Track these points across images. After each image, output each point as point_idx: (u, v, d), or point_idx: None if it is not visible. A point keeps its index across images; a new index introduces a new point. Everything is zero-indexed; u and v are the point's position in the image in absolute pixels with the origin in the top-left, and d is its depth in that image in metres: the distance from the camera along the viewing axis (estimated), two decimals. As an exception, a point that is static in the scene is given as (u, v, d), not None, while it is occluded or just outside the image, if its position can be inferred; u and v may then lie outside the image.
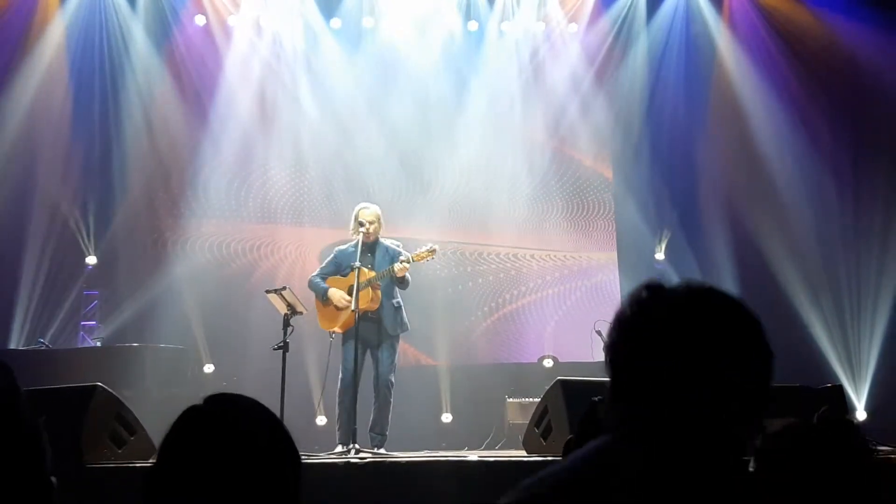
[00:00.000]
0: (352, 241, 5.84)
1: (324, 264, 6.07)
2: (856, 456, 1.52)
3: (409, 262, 5.69)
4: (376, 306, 5.72)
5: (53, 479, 1.32)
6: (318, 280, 5.96)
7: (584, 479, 1.09)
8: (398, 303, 5.87)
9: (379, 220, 5.85)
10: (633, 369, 1.13)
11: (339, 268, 5.89)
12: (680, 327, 1.10)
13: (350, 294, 5.66)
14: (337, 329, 5.85)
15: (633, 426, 1.11)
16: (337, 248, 6.04)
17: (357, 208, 5.91)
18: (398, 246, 5.93)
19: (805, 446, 1.52)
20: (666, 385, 1.09)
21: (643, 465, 1.08)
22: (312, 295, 6.11)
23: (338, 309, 5.83)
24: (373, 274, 5.68)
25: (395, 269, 5.62)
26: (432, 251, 5.78)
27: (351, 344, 5.69)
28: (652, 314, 1.13)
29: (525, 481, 1.16)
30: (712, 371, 1.08)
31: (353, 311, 5.54)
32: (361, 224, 5.73)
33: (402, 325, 5.89)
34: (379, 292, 5.74)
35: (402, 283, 5.78)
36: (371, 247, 5.82)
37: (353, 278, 5.61)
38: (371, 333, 5.76)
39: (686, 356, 1.09)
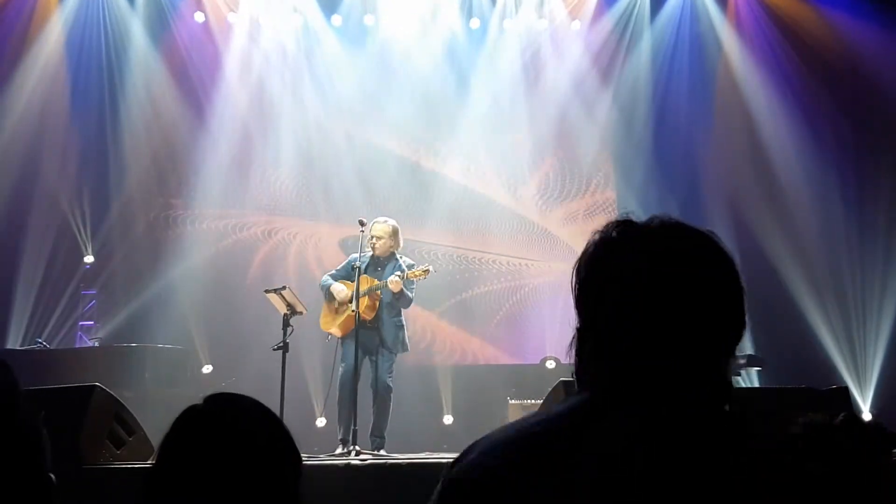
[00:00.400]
0: (360, 244, 5.86)
1: (338, 268, 6.06)
2: (876, 459, 1.48)
3: (402, 279, 5.67)
4: (370, 316, 5.71)
5: (53, 477, 1.30)
6: (327, 278, 6.00)
7: (560, 443, 0.99)
8: (400, 322, 5.85)
9: (390, 236, 5.84)
10: (606, 311, 1.04)
11: (349, 274, 5.90)
12: (656, 262, 1.03)
13: (351, 300, 5.68)
14: (334, 331, 5.83)
15: (614, 381, 1.02)
16: (352, 255, 6.04)
17: (372, 222, 5.92)
18: (412, 266, 5.92)
19: (827, 447, 1.48)
20: (645, 326, 1.01)
21: (632, 426, 0.98)
22: (313, 295, 6.11)
23: (337, 305, 5.83)
24: (374, 283, 5.70)
25: (389, 282, 5.61)
26: (426, 271, 5.76)
27: (350, 344, 5.69)
28: (626, 250, 1.06)
29: (484, 442, 1.12)
30: (691, 306, 1.02)
31: (353, 311, 5.55)
32: (363, 223, 5.79)
33: (402, 345, 5.87)
34: (377, 303, 5.74)
35: (399, 299, 5.74)
36: (383, 261, 5.85)
37: (357, 283, 5.64)
38: (370, 341, 5.75)
39: (663, 293, 1.02)
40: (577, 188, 9.14)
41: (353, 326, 5.64)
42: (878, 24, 8.12)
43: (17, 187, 8.23)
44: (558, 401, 4.50)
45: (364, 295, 5.64)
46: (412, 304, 5.95)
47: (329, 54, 9.04)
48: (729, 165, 8.70)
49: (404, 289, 5.69)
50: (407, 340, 5.91)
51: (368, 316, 5.69)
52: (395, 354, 5.86)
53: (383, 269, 5.81)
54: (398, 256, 5.88)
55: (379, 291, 5.72)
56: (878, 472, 1.41)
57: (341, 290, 5.81)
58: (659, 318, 1.01)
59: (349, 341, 5.70)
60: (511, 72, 9.09)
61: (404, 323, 5.90)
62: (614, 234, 1.08)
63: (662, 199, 8.78)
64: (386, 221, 5.90)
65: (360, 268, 5.62)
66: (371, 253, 5.80)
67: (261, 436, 1.28)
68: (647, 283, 1.02)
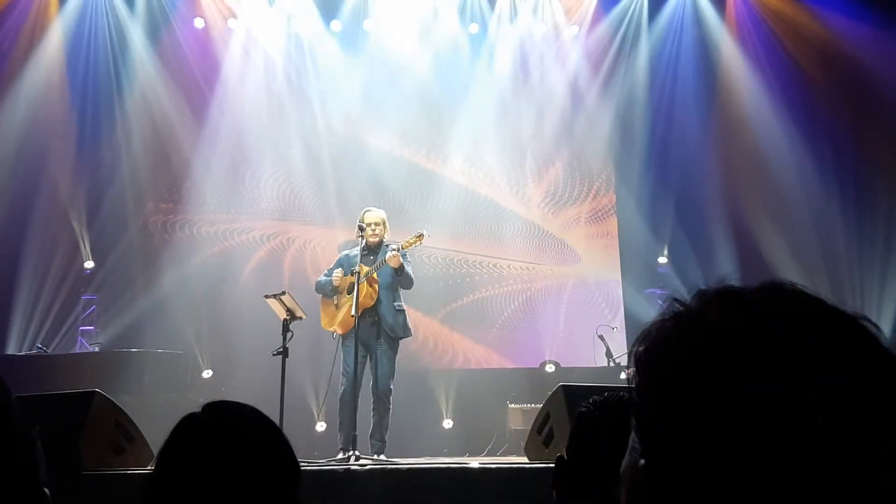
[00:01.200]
0: (357, 244, 5.79)
1: (331, 267, 6.03)
2: None
3: (398, 251, 5.63)
4: (371, 303, 5.64)
5: (47, 490, 1.28)
6: (323, 278, 5.98)
7: None
8: (400, 306, 5.81)
9: (383, 223, 5.84)
10: (699, 422, 0.65)
11: (343, 271, 5.86)
12: (783, 354, 0.65)
13: (350, 292, 5.63)
14: (336, 329, 5.78)
15: None
16: (342, 252, 6.04)
17: (362, 212, 5.91)
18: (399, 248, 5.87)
19: None
20: (762, 450, 0.62)
21: None
22: (313, 300, 6.09)
23: (336, 300, 5.79)
24: (367, 268, 5.65)
25: (387, 257, 5.56)
26: (419, 236, 5.72)
27: (350, 347, 5.66)
28: (732, 335, 0.66)
29: None
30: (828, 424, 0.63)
31: (353, 315, 5.51)
32: (362, 227, 5.74)
33: (403, 329, 5.80)
34: (376, 287, 5.68)
35: (401, 275, 5.68)
36: (374, 249, 5.81)
37: (352, 279, 5.60)
38: (370, 336, 5.68)
39: (790, 402, 0.63)
40: (579, 192, 9.15)
41: (354, 322, 5.55)
42: (875, 26, 8.13)
43: (17, 193, 8.25)
44: (558, 404, 4.50)
45: (362, 282, 5.57)
46: (413, 285, 5.87)
47: (329, 60, 9.06)
48: (728, 169, 8.71)
49: (403, 263, 5.65)
50: (409, 325, 5.85)
51: (369, 302, 5.63)
52: (397, 342, 5.78)
53: (375, 256, 5.77)
54: (386, 244, 5.85)
55: (375, 274, 5.66)
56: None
57: (338, 274, 5.75)
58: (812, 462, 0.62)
59: (350, 342, 5.67)
60: (509, 76, 9.12)
61: (404, 307, 5.85)
62: (715, 311, 0.69)
63: (662, 203, 8.80)
64: (377, 210, 5.93)
65: (357, 271, 5.57)
66: (364, 243, 5.71)
67: (259, 444, 1.28)
68: (773, 398, 0.63)
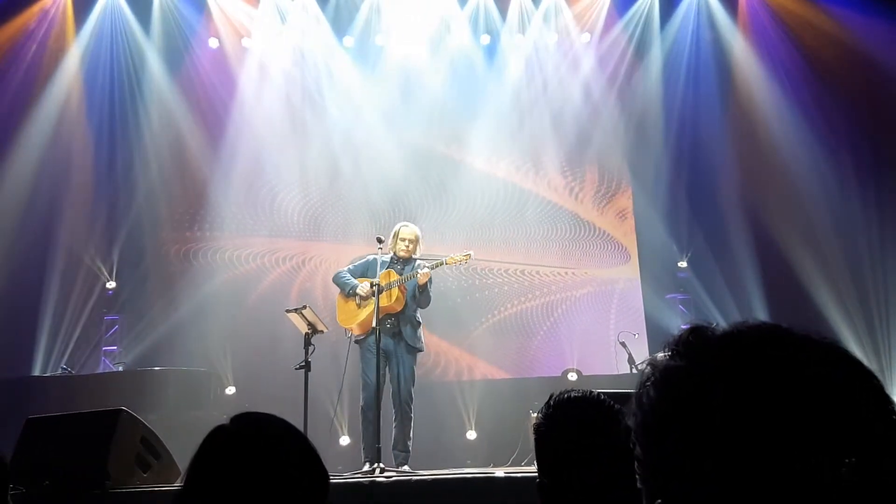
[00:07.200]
0: (388, 254, 5.82)
1: (354, 264, 5.99)
2: None
3: (441, 264, 5.66)
4: (400, 307, 5.64)
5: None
6: (348, 276, 5.87)
7: None
8: (418, 318, 5.81)
9: (417, 241, 5.85)
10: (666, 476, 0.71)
11: (366, 272, 5.85)
12: (744, 396, 0.68)
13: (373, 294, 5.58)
14: (354, 329, 5.72)
15: None
16: (370, 255, 5.93)
17: (398, 226, 5.94)
18: (420, 266, 5.89)
19: None
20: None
21: None
22: (333, 315, 6.06)
23: (359, 301, 5.74)
24: (397, 277, 5.66)
25: (418, 273, 5.56)
26: (467, 256, 5.73)
27: (369, 357, 5.62)
28: (694, 375, 0.71)
29: None
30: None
31: (374, 326, 5.45)
32: (401, 240, 5.77)
33: (419, 341, 5.78)
34: (404, 295, 5.67)
35: (422, 293, 5.68)
36: (404, 262, 5.82)
37: (376, 292, 5.55)
38: (391, 343, 5.65)
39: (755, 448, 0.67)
40: (594, 201, 9.13)
41: (372, 325, 5.49)
42: (889, 24, 8.04)
43: (40, 217, 8.36)
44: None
45: (393, 287, 5.58)
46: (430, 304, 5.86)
47: (342, 75, 9.12)
48: (746, 171, 8.66)
49: (427, 284, 5.66)
50: (423, 339, 5.82)
51: (398, 307, 5.63)
52: (416, 354, 5.74)
53: (403, 268, 5.78)
54: (416, 258, 5.85)
55: (403, 285, 5.64)
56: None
57: (366, 286, 5.68)
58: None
59: (369, 351, 5.64)
60: (523, 86, 9.13)
61: (421, 321, 5.84)
62: (679, 355, 0.74)
63: (681, 208, 8.76)
64: (413, 226, 5.93)
65: (378, 282, 5.54)
66: (393, 255, 5.76)
67: (288, 454, 1.29)
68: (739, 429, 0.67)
